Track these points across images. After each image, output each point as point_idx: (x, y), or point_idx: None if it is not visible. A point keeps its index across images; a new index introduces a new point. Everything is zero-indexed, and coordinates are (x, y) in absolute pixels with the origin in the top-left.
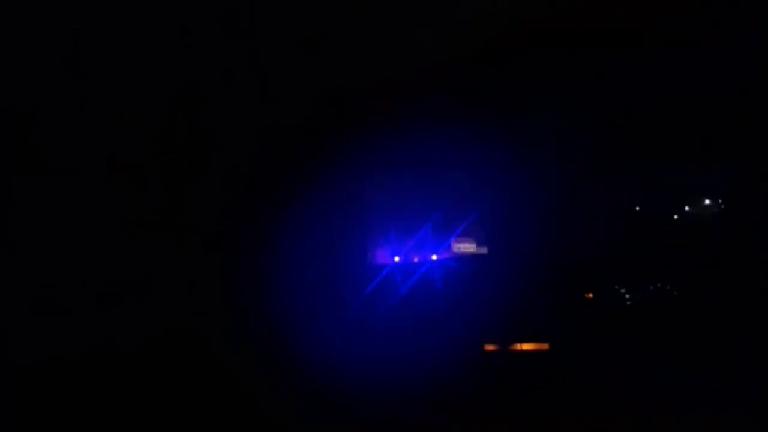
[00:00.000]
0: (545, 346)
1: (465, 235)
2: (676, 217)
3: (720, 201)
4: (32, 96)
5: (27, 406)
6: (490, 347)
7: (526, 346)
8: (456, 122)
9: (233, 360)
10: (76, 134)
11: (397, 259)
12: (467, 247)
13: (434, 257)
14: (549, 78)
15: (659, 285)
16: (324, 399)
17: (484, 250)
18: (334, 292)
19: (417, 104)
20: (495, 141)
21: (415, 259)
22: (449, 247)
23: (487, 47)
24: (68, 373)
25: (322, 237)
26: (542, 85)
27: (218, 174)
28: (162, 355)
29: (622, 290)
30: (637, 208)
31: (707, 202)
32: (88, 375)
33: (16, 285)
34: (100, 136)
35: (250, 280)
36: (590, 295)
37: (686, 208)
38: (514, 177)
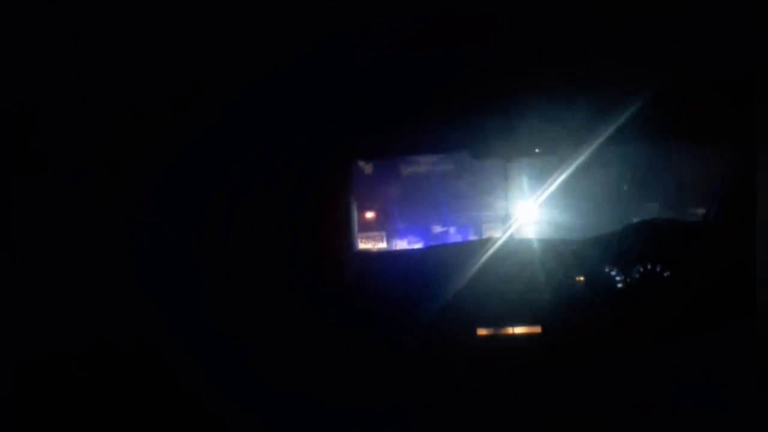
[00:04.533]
0: (537, 329)
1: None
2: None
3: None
4: (32, 96)
5: (25, 406)
6: (482, 332)
7: (519, 330)
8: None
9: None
10: (76, 134)
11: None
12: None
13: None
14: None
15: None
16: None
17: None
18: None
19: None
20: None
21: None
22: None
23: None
24: (66, 373)
25: (320, 230)
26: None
27: (218, 174)
28: (158, 354)
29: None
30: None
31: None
32: (87, 375)
33: (15, 285)
34: (100, 136)
35: (246, 278)
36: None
37: None
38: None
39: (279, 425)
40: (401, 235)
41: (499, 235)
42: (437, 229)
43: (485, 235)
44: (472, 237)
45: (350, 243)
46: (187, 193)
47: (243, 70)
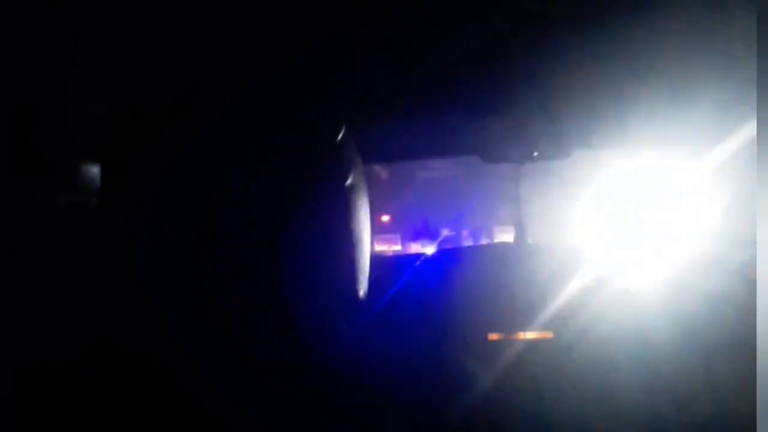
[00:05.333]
0: (549, 334)
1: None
2: None
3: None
4: (32, 96)
5: (25, 406)
6: (494, 336)
7: (530, 335)
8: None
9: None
10: (76, 134)
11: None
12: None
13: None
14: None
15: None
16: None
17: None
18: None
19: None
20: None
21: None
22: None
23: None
24: (66, 373)
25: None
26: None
27: (219, 174)
28: (158, 354)
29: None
30: None
31: None
32: (87, 375)
33: (16, 285)
34: (100, 136)
35: (244, 278)
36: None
37: None
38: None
39: (279, 425)
40: (415, 237)
41: (510, 240)
42: (449, 232)
43: (496, 239)
44: (485, 240)
45: (363, 246)
46: (187, 193)
47: (245, 71)
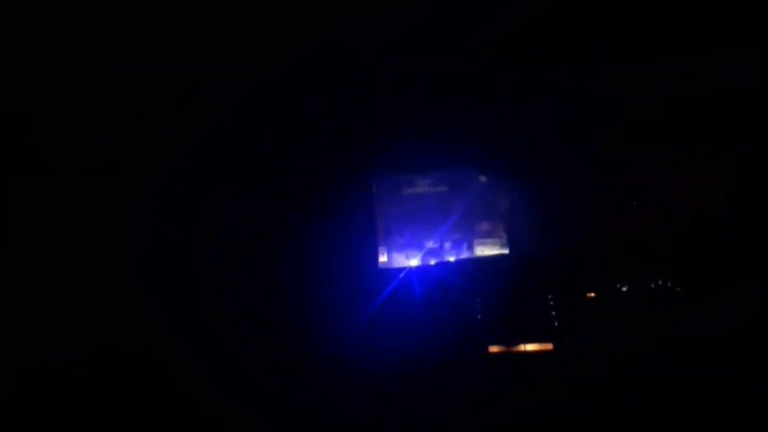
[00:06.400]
0: (549, 346)
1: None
2: None
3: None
4: (32, 96)
5: (25, 406)
6: (494, 349)
7: (531, 347)
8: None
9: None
10: (76, 134)
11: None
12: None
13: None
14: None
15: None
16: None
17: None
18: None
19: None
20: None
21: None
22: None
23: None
24: (66, 373)
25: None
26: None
27: (219, 174)
28: (158, 354)
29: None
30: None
31: None
32: (87, 375)
33: (16, 285)
34: (100, 136)
35: (244, 281)
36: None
37: None
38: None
39: (279, 425)
40: (400, 249)
41: (492, 252)
42: (433, 244)
43: (477, 251)
44: (466, 253)
45: (358, 253)
46: (187, 193)
47: (245, 72)
